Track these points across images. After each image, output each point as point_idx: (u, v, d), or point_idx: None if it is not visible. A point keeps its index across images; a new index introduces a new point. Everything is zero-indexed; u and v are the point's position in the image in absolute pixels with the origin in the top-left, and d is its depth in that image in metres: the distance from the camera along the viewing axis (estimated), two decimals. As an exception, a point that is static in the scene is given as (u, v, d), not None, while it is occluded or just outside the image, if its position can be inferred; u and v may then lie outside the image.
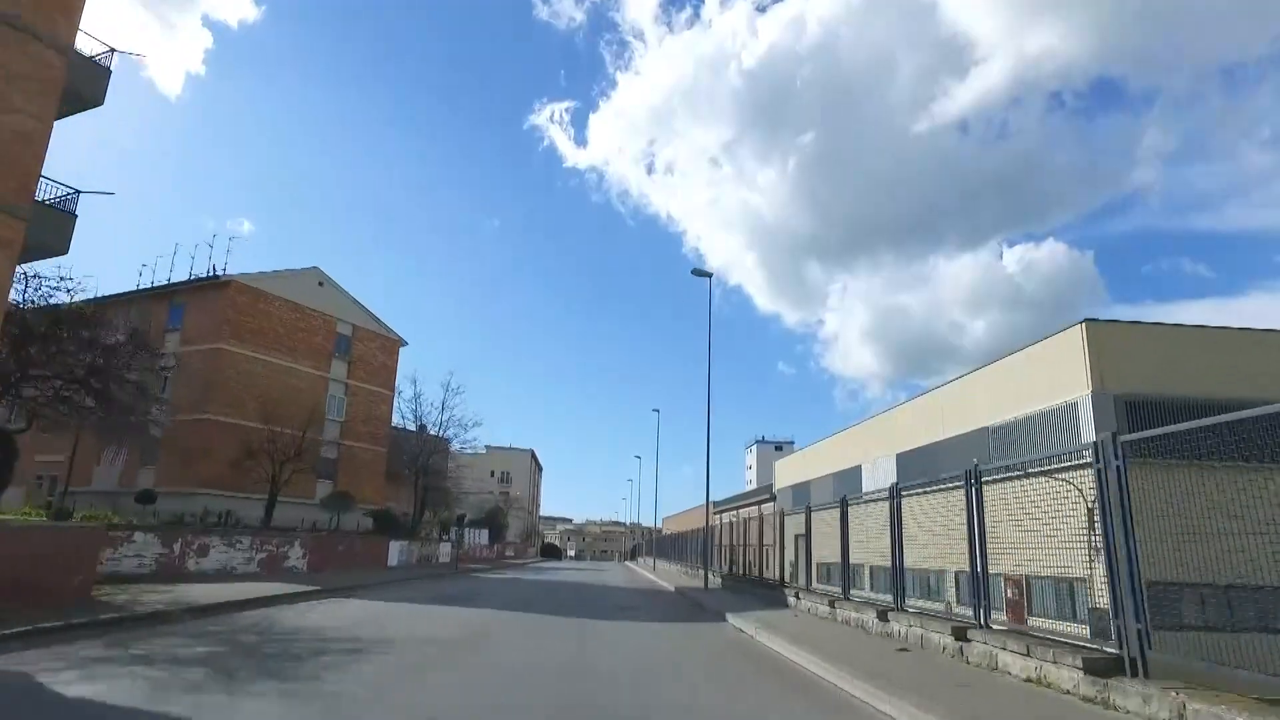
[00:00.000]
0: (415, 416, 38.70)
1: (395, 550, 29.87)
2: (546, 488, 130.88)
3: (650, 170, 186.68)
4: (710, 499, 21.89)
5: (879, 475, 26.77)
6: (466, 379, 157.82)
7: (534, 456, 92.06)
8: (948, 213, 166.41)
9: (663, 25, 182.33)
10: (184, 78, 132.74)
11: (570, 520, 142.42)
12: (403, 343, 39.11)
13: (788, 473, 41.46)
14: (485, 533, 56.53)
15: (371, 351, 36.55)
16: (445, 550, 39.40)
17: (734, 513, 41.99)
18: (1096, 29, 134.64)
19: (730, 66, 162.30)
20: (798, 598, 15.94)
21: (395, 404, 38.57)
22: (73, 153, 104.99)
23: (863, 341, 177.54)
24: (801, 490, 35.70)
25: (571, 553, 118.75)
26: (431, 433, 38.82)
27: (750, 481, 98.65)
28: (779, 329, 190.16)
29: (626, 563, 78.43)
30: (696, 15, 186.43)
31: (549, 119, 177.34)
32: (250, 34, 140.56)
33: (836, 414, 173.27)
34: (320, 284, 33.96)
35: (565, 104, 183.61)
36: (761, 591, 20.01)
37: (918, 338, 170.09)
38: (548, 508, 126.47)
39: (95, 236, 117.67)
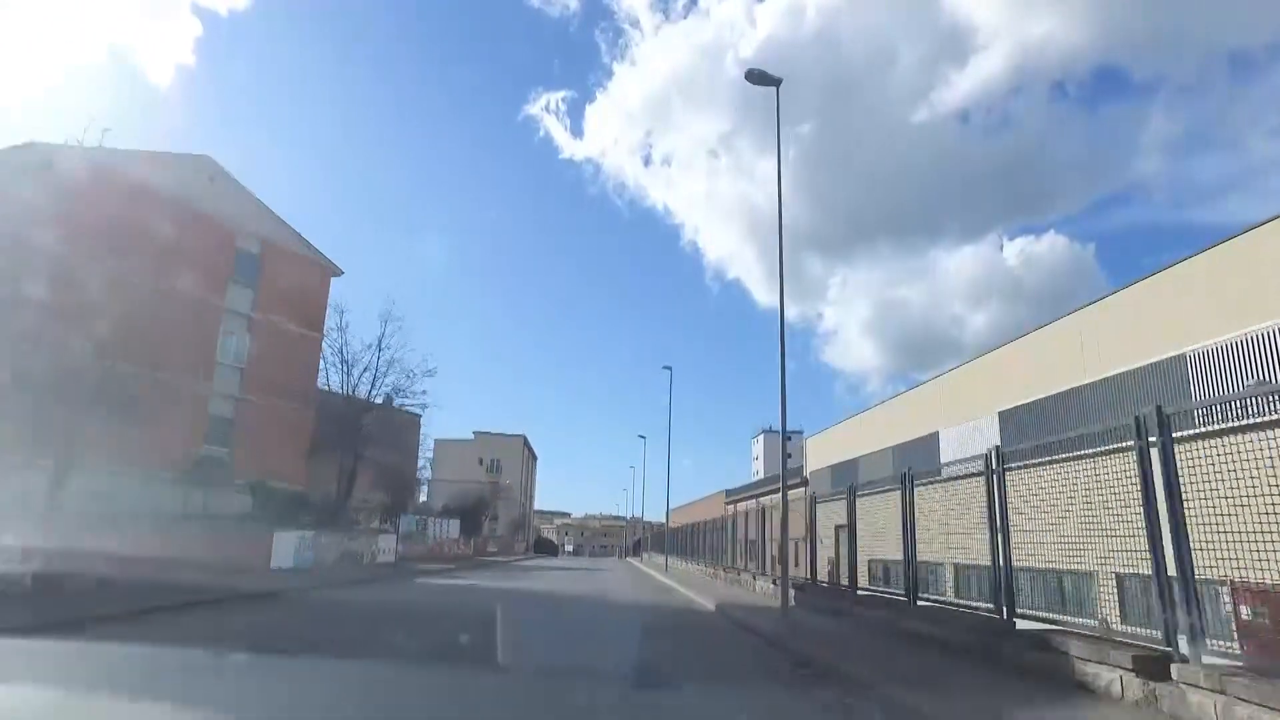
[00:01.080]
0: (341, 357, 31.67)
1: (288, 545, 23.38)
2: (546, 485, 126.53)
3: (647, 162, 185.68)
4: (783, 460, 14.25)
5: (968, 442, 21.30)
6: (461, 372, 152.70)
7: (526, 443, 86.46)
8: (948, 205, 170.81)
9: (659, 13, 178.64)
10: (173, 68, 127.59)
11: (569, 514, 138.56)
12: (337, 271, 32.76)
13: (823, 451, 36.46)
14: (456, 524, 50.45)
15: (290, 279, 30.03)
16: (388, 544, 33.22)
17: (753, 501, 37.19)
18: (1099, 14, 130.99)
19: (728, 56, 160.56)
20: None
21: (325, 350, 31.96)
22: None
23: (863, 335, 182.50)
24: (845, 470, 30.59)
25: (570, 548, 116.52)
26: (365, 381, 32.01)
27: (757, 472, 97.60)
28: (778, 323, 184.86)
29: (629, 559, 72.68)
30: (694, 3, 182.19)
31: (544, 108, 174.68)
32: (241, 22, 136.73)
33: (837, 408, 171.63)
34: (211, 179, 27.42)
35: (561, 94, 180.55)
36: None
37: (918, 331, 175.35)
38: (548, 503, 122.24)
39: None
